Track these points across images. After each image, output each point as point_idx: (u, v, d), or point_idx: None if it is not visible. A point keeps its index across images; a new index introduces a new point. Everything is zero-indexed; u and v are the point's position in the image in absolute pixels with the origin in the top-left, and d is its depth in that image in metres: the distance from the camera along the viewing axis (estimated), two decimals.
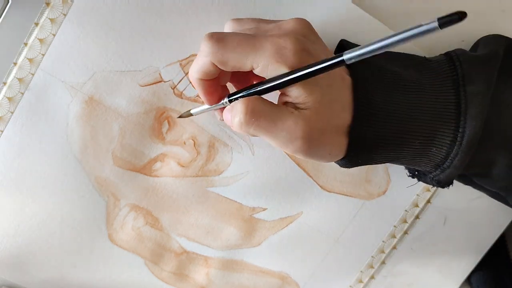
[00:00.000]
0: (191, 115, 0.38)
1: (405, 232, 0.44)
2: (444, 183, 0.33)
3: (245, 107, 0.29)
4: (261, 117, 0.29)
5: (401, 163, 0.34)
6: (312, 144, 0.30)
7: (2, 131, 0.39)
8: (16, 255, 0.43)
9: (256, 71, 0.30)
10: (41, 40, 0.37)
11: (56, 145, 0.40)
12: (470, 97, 0.30)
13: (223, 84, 0.34)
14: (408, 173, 0.37)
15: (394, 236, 0.44)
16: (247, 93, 0.31)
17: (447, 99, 0.31)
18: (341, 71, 0.31)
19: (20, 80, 0.38)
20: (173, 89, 0.39)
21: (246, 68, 0.30)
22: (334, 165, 0.42)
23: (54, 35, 0.37)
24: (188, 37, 0.38)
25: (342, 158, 0.32)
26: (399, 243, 0.45)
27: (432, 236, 0.45)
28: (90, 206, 0.42)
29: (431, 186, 0.35)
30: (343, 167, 0.34)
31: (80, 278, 0.44)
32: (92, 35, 0.37)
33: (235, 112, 0.30)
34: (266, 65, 0.29)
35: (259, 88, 0.30)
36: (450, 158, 0.31)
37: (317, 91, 0.29)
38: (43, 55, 0.37)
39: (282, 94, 0.30)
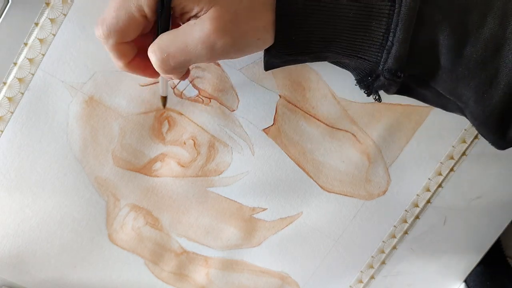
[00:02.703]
0: (165, 97, 0.37)
1: (405, 232, 0.44)
2: (396, 70, 0.30)
3: (152, 51, 0.29)
4: (170, 47, 0.28)
5: (342, 48, 0.31)
6: (233, 37, 0.28)
7: (2, 131, 0.39)
8: (16, 255, 0.43)
9: (148, 14, 0.28)
10: (41, 40, 0.37)
11: (56, 145, 0.40)
12: None
13: None
14: (363, 89, 0.34)
15: (394, 236, 0.44)
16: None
17: None
18: None
19: (20, 80, 0.38)
20: (173, 89, 0.39)
21: (139, 20, 0.29)
22: (334, 165, 0.42)
23: (54, 35, 0.37)
24: None
25: (275, 44, 0.30)
26: (399, 243, 0.45)
27: (432, 236, 0.45)
28: (90, 206, 0.42)
29: (386, 91, 0.32)
30: (283, 54, 0.31)
31: (80, 278, 0.44)
32: (92, 35, 0.37)
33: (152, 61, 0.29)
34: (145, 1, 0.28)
35: (158, 30, 0.29)
36: (391, 31, 0.29)
37: None
38: (43, 55, 0.37)
39: (181, 19, 0.29)
